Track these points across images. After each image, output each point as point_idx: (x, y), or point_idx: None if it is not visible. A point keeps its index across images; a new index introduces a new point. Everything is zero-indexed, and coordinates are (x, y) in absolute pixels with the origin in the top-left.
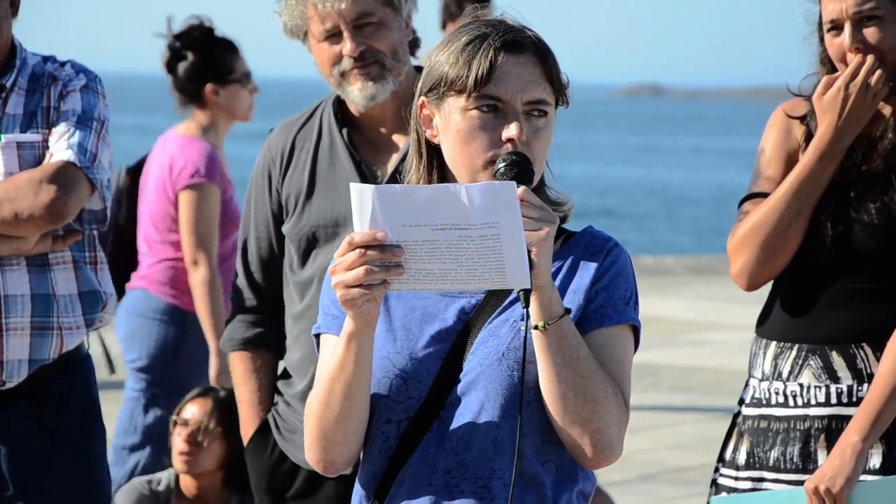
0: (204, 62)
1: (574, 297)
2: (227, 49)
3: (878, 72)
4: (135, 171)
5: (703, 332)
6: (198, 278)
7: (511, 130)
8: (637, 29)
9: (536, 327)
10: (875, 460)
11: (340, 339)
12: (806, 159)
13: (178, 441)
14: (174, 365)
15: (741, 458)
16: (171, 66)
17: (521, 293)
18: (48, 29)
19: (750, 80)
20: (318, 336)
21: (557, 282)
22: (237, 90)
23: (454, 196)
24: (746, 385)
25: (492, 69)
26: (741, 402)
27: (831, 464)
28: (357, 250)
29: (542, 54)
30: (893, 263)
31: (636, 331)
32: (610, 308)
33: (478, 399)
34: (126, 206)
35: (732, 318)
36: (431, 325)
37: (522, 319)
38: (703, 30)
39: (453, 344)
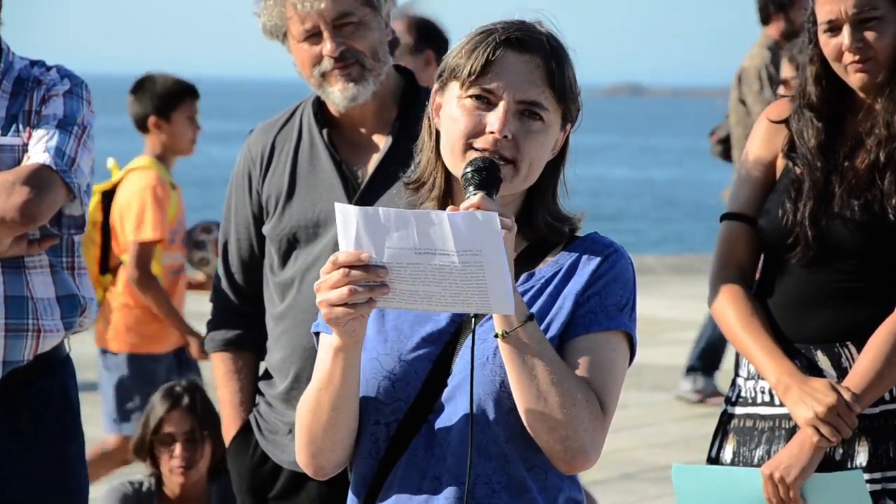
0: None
1: (564, 302)
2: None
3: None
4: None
5: (685, 330)
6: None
7: (492, 123)
8: (616, 28)
9: (497, 335)
10: (861, 458)
11: (328, 351)
12: (760, 366)
13: (169, 460)
14: None
15: (727, 456)
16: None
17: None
18: (49, 29)
19: (730, 80)
20: (317, 334)
21: (551, 286)
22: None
23: (437, 223)
24: (733, 384)
25: (487, 62)
26: (727, 400)
27: (789, 452)
28: (341, 269)
29: (549, 59)
30: (877, 261)
31: (630, 338)
32: (601, 314)
33: (463, 404)
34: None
35: None
36: (423, 327)
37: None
38: (683, 29)
39: (444, 346)
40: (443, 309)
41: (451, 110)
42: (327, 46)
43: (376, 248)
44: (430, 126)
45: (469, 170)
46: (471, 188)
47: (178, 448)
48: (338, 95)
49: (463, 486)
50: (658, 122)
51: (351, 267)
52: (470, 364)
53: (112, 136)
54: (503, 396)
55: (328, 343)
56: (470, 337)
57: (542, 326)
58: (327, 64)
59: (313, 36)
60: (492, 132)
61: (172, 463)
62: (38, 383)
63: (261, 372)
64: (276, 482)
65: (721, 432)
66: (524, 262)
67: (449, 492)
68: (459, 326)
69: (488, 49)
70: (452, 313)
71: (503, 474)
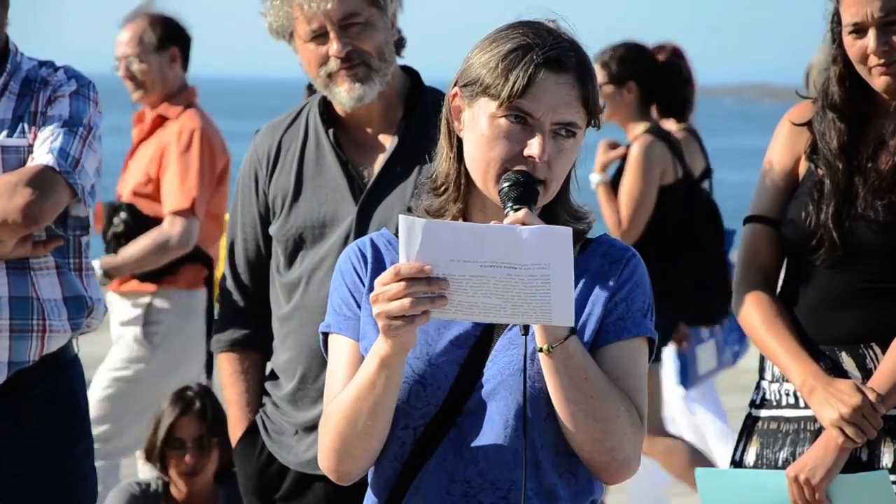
0: None
1: (594, 308)
2: None
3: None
4: None
5: None
6: None
7: (533, 148)
8: (617, 27)
9: (542, 350)
10: (887, 459)
11: (371, 360)
12: (785, 368)
13: (178, 465)
14: None
15: (750, 459)
16: None
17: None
18: (49, 29)
19: (731, 78)
20: (325, 334)
21: (577, 291)
22: None
23: (510, 236)
24: (757, 387)
25: (529, 84)
26: (752, 403)
27: (814, 454)
28: (403, 282)
29: (582, 76)
30: None
31: (651, 342)
32: (629, 320)
33: (497, 409)
34: None
35: None
36: (450, 331)
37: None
38: (685, 27)
39: (471, 349)
40: (499, 320)
41: (483, 128)
42: (334, 47)
43: (440, 259)
44: (449, 133)
45: (506, 185)
46: (510, 203)
47: (187, 455)
48: (344, 96)
49: (498, 490)
50: None
51: (412, 279)
52: (522, 375)
53: (117, 135)
54: (541, 403)
55: (374, 352)
56: (502, 342)
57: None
58: (334, 64)
59: (320, 36)
60: (530, 156)
61: (180, 468)
62: (44, 384)
63: (267, 372)
64: (283, 483)
65: (745, 435)
66: None
67: (483, 496)
68: (488, 329)
69: (529, 71)
70: None
71: (535, 481)
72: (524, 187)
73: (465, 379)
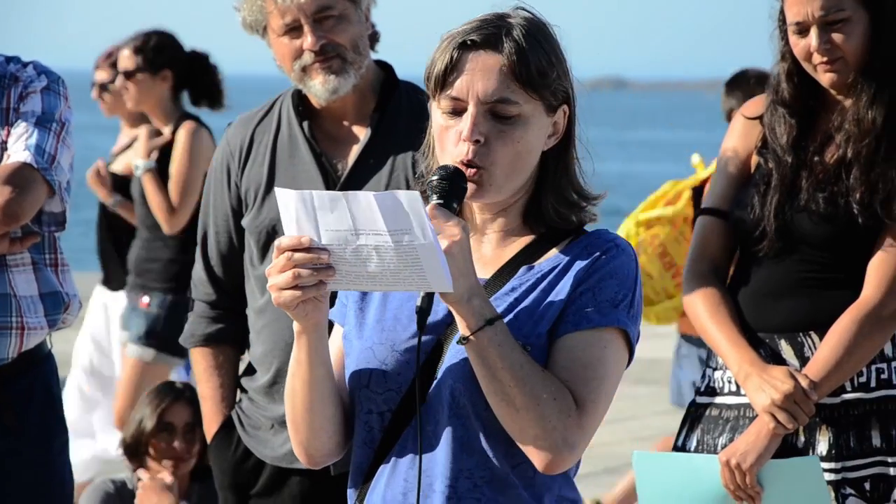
0: None
1: (556, 298)
2: None
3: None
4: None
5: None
6: None
7: (460, 129)
8: (598, 22)
9: (460, 340)
10: (822, 446)
11: (296, 338)
12: (724, 355)
13: (168, 450)
14: None
15: (692, 444)
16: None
17: (421, 295)
18: (45, 27)
19: (711, 73)
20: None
21: (546, 281)
22: None
23: (365, 203)
24: (703, 375)
25: (446, 68)
26: (697, 391)
27: (746, 439)
28: (285, 254)
29: (515, 51)
30: (840, 253)
31: (627, 334)
32: (592, 310)
33: (448, 396)
34: None
35: None
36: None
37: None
38: (665, 22)
39: (439, 338)
40: (386, 289)
41: (435, 122)
42: (308, 40)
43: (316, 230)
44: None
45: (434, 178)
46: (434, 197)
47: (176, 440)
48: (319, 88)
49: (448, 479)
50: (646, 115)
51: (294, 250)
52: (416, 353)
53: (104, 134)
54: (482, 392)
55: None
56: (425, 328)
57: (532, 321)
58: (308, 58)
59: (293, 30)
60: (465, 140)
61: (168, 454)
62: (22, 379)
63: (244, 366)
64: (259, 478)
65: (689, 421)
66: (526, 256)
67: (436, 484)
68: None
69: (446, 55)
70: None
71: (486, 469)
72: (450, 182)
73: (430, 366)
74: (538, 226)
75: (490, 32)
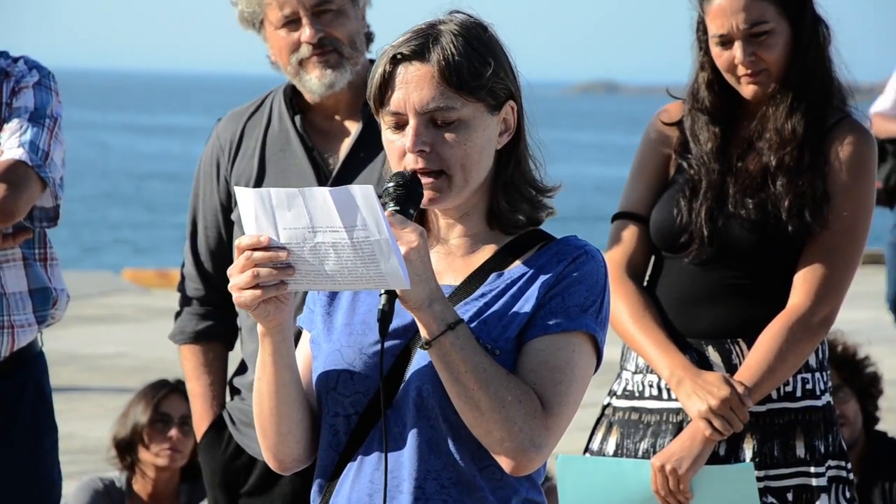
0: None
1: (525, 304)
2: None
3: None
4: None
5: None
6: None
7: (403, 142)
8: (590, 26)
9: (423, 346)
10: (746, 454)
11: (260, 340)
12: (652, 360)
13: (163, 441)
14: None
15: (609, 448)
16: None
17: (383, 301)
18: (42, 26)
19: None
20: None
21: (515, 287)
22: None
23: (320, 200)
24: (618, 377)
25: (381, 85)
26: (611, 393)
27: (680, 444)
28: (245, 253)
29: (445, 59)
30: (769, 259)
31: (595, 340)
32: (561, 315)
33: (415, 398)
34: None
35: None
36: (390, 322)
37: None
38: (657, 27)
39: (408, 342)
40: (345, 288)
41: (384, 138)
42: (306, 33)
43: (275, 228)
44: None
45: (391, 185)
46: (391, 204)
47: (173, 429)
48: (315, 82)
49: (415, 481)
50: (638, 119)
51: (253, 249)
52: (380, 358)
53: (103, 132)
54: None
55: (259, 331)
56: (382, 330)
57: (500, 325)
58: (305, 51)
59: (292, 23)
60: (409, 152)
61: (164, 445)
62: (13, 378)
63: (238, 362)
64: (250, 477)
65: (605, 424)
66: (496, 263)
67: (404, 486)
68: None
69: (378, 71)
70: None
71: (453, 471)
72: (405, 188)
73: (397, 369)
74: (505, 229)
75: (419, 43)
